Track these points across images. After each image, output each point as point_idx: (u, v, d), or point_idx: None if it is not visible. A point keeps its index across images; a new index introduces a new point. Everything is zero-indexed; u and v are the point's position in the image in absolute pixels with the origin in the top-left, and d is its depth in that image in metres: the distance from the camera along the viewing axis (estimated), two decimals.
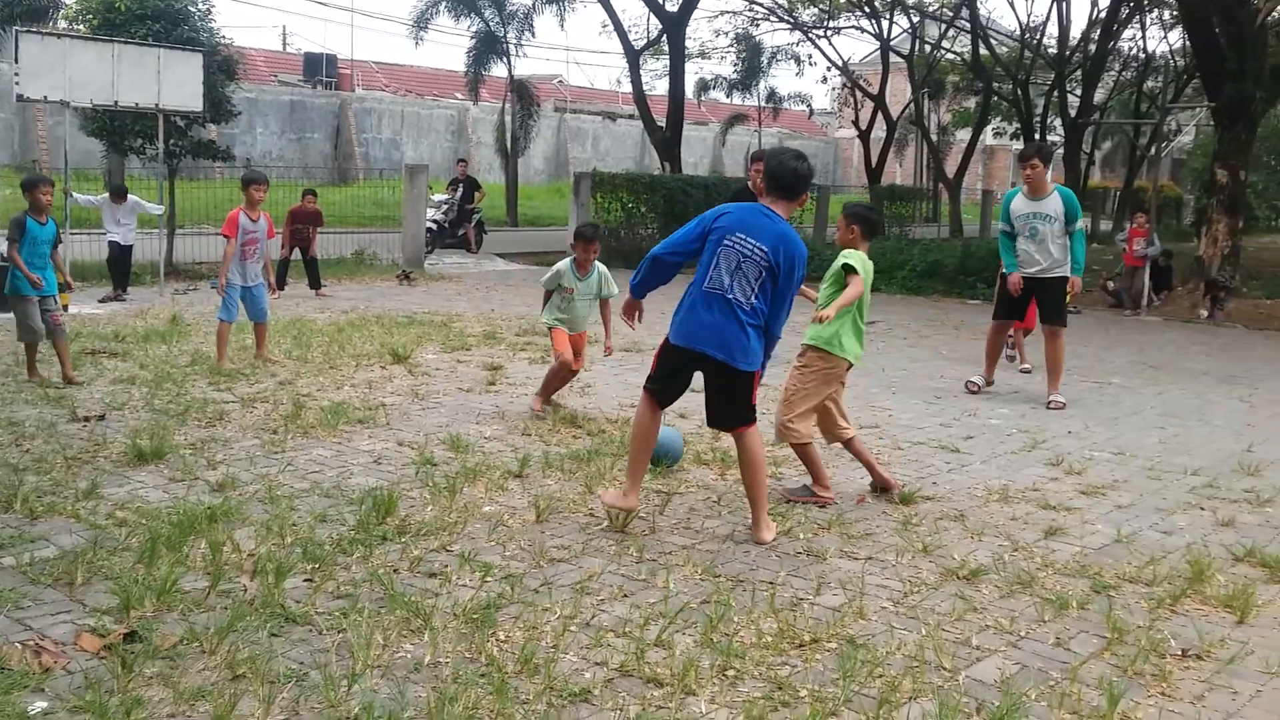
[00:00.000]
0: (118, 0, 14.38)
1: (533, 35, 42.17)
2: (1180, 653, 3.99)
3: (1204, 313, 15.48)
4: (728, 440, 6.86)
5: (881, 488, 5.86)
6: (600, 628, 3.97)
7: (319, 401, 7.49)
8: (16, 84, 12.60)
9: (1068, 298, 8.58)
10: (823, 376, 5.70)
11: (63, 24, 18.48)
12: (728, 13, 46.86)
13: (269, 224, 9.17)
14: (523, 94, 31.21)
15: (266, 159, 36.23)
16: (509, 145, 31.68)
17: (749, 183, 8.29)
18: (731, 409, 5.09)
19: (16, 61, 12.57)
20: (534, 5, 30.16)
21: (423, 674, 3.55)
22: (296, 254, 14.41)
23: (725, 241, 4.92)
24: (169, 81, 13.42)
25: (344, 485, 5.61)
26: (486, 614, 4.00)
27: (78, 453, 5.97)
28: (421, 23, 29.76)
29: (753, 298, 4.91)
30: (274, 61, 46.18)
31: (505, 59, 30.52)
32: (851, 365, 5.81)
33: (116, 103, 13.26)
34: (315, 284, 14.17)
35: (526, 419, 7.27)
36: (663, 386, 5.13)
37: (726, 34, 36.86)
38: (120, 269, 13.12)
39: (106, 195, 13.49)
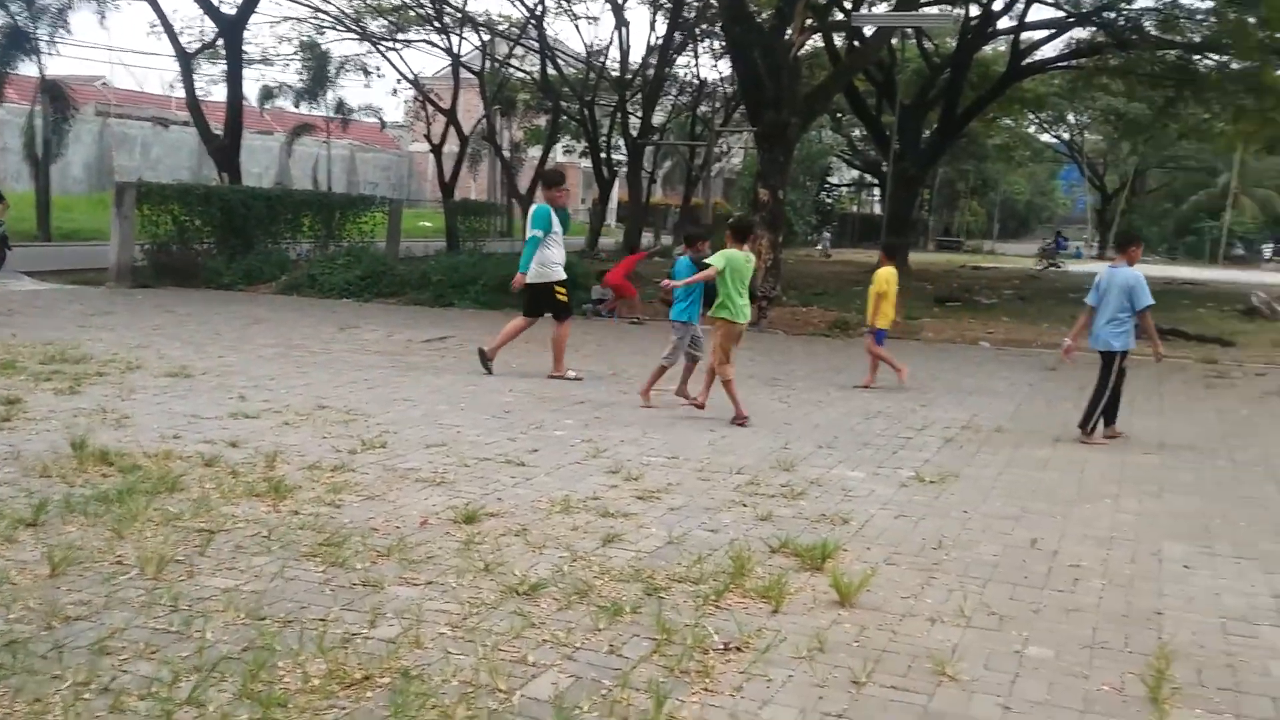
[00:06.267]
0: None
1: (68, 32, 38.27)
2: (723, 646, 4.17)
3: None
4: (282, 469, 6.47)
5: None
6: (120, 690, 3.53)
7: None
8: None
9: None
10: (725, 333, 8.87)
11: None
12: (292, 19, 45.21)
13: None
14: (56, 96, 28.33)
15: None
16: (40, 152, 28.67)
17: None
18: None
19: None
20: (69, 1, 27.47)
21: None
22: None
23: None
24: None
25: None
26: None
27: None
28: None
29: None
30: None
31: (35, 57, 27.56)
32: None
33: None
34: None
35: (46, 459, 6.39)
36: None
37: (290, 40, 35.48)
38: None
39: None
